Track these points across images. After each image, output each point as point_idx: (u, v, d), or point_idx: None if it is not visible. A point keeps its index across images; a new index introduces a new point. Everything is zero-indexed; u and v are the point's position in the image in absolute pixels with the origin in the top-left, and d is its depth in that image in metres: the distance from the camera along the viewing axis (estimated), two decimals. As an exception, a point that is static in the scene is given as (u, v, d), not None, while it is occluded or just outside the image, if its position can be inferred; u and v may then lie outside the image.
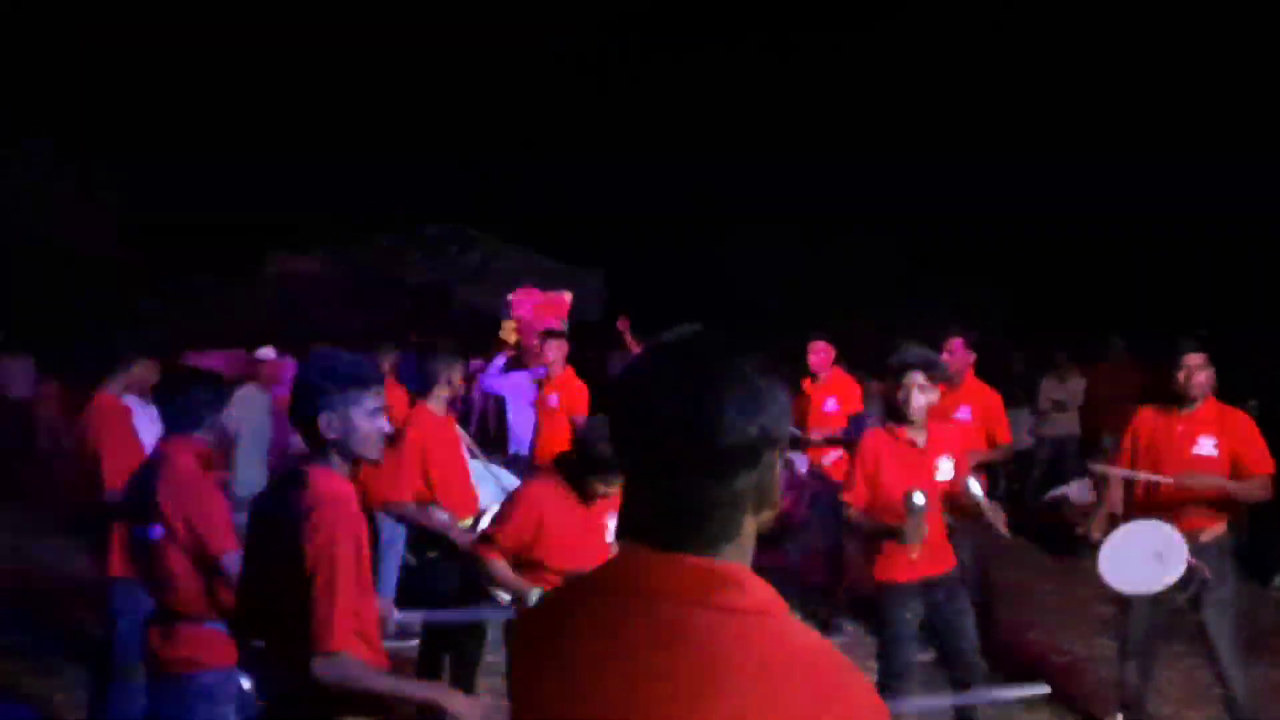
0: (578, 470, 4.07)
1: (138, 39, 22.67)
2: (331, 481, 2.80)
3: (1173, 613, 4.95)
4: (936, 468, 4.57)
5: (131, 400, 5.11)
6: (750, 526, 1.34)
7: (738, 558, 1.32)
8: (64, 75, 17.81)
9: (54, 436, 14.60)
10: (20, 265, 17.43)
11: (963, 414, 6.04)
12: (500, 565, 4.09)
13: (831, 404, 6.82)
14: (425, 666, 5.05)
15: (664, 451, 1.30)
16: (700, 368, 1.31)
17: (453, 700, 2.78)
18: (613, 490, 4.00)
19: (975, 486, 4.45)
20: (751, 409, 1.29)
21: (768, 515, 1.36)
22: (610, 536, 4.08)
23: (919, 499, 4.29)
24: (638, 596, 1.29)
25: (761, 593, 1.29)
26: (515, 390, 8.23)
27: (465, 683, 4.94)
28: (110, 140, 18.49)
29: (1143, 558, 4.73)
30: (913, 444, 4.59)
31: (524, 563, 4.08)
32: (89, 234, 16.47)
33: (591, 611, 1.34)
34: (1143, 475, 4.93)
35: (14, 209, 15.23)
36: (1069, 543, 7.94)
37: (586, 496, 4.07)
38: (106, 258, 18.22)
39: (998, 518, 4.49)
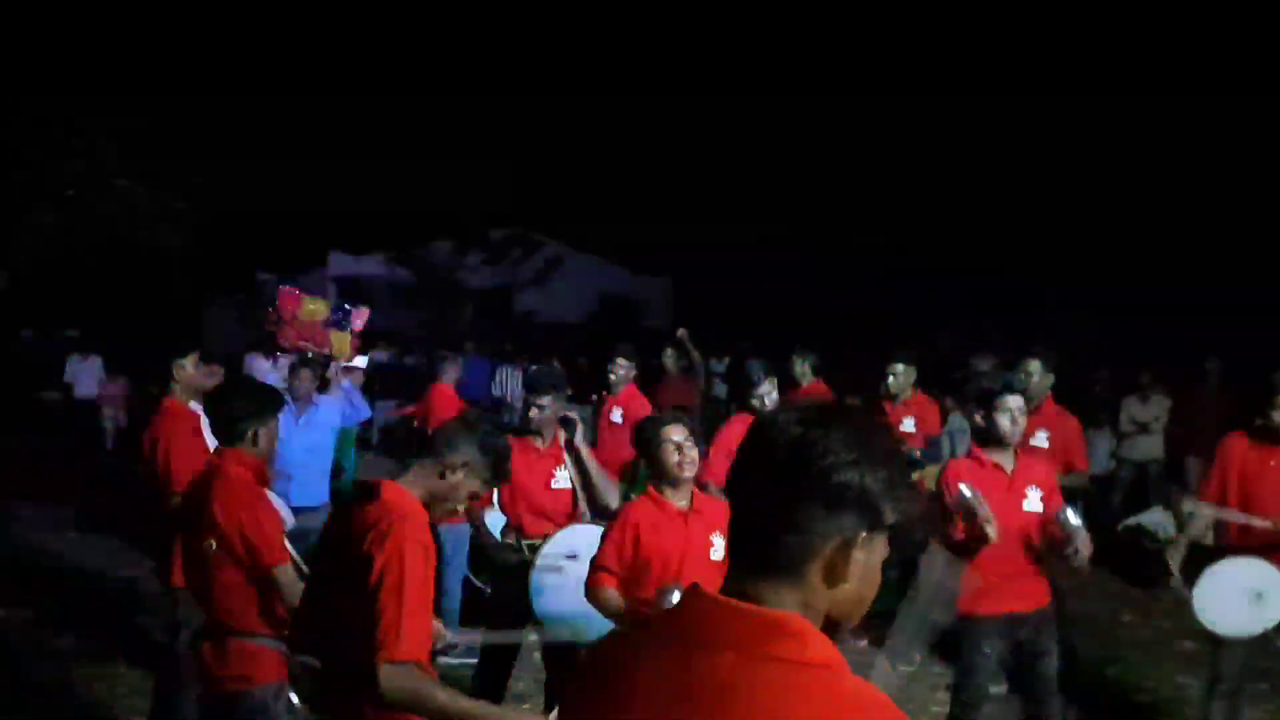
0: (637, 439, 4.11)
1: (205, 41, 23.07)
2: (402, 494, 2.84)
3: (1267, 652, 4.75)
4: (1025, 496, 4.38)
5: (199, 407, 5.10)
6: (818, 590, 1.36)
7: (798, 609, 1.34)
8: (133, 75, 18.20)
9: (120, 436, 14.95)
10: (93, 266, 17.80)
11: (1039, 439, 5.79)
12: (610, 595, 4.01)
13: (909, 424, 6.67)
14: (485, 685, 4.95)
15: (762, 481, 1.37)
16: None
17: None
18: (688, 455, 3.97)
19: (1074, 517, 4.24)
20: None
21: (843, 602, 1.37)
22: (715, 554, 4.00)
23: (965, 490, 4.19)
24: (699, 646, 1.32)
25: (821, 645, 1.31)
26: None
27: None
28: (180, 141, 18.89)
29: (1241, 597, 4.53)
30: (1000, 468, 4.44)
31: (634, 585, 4.03)
32: (162, 234, 16.77)
33: (651, 658, 1.36)
34: (1239, 517, 4.66)
35: (87, 209, 15.59)
36: (1149, 572, 7.66)
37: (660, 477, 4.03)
38: (178, 258, 18.55)
39: (1083, 552, 4.26)
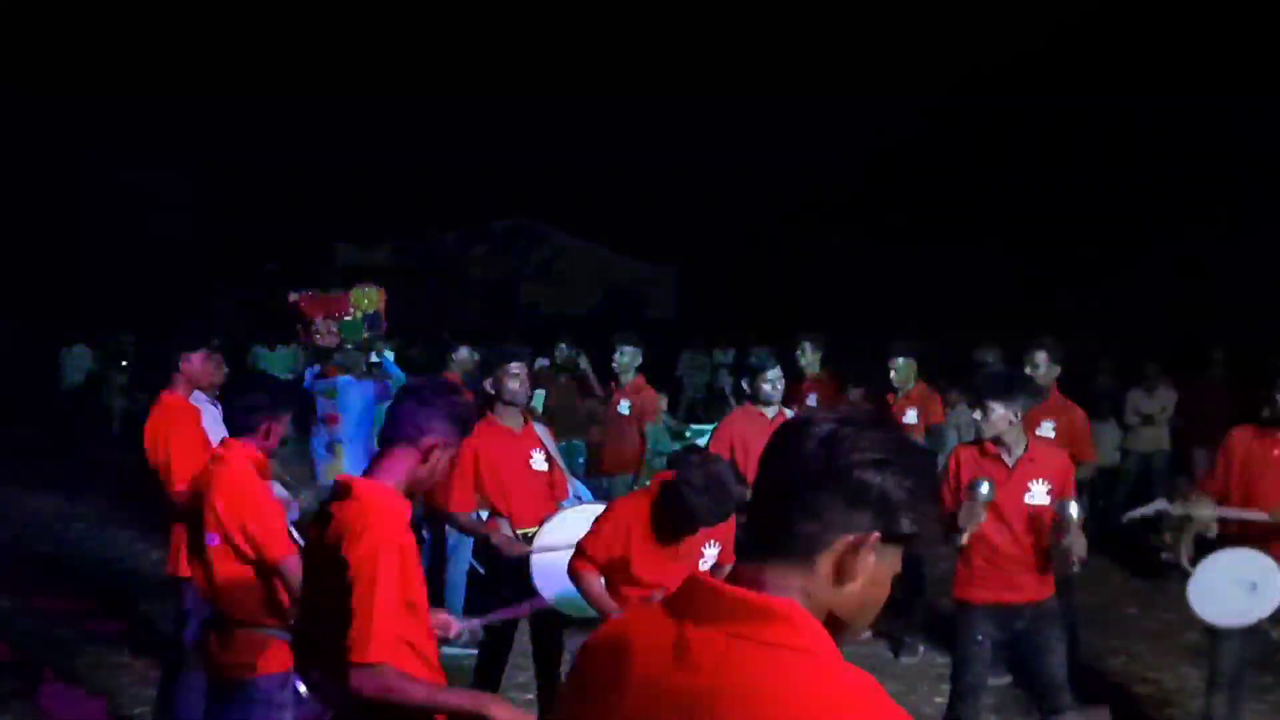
0: (663, 506, 4.04)
1: (216, 36, 23.07)
2: (380, 493, 2.76)
3: (1265, 644, 4.73)
4: (1027, 489, 4.37)
5: (200, 399, 5.10)
6: (825, 583, 1.36)
7: (800, 597, 1.34)
8: (143, 69, 18.21)
9: (127, 426, 15.01)
10: (97, 257, 17.87)
11: (1045, 430, 5.79)
12: (592, 580, 4.07)
13: (912, 416, 6.71)
14: (483, 677, 4.96)
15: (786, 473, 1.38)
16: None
17: (496, 709, 2.67)
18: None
19: (1073, 508, 4.24)
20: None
21: (848, 602, 1.37)
22: (705, 564, 4.04)
23: (984, 488, 4.22)
24: (692, 627, 1.33)
25: (812, 632, 1.31)
26: None
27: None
28: (189, 132, 18.87)
29: (1236, 588, 4.52)
30: (1000, 460, 4.43)
31: (617, 577, 4.08)
32: (170, 225, 16.84)
33: (646, 638, 1.37)
34: (1236, 514, 4.66)
35: (96, 201, 15.66)
36: (1154, 564, 7.64)
37: (668, 532, 4.04)
38: (186, 248, 18.61)
39: (1078, 546, 4.26)
